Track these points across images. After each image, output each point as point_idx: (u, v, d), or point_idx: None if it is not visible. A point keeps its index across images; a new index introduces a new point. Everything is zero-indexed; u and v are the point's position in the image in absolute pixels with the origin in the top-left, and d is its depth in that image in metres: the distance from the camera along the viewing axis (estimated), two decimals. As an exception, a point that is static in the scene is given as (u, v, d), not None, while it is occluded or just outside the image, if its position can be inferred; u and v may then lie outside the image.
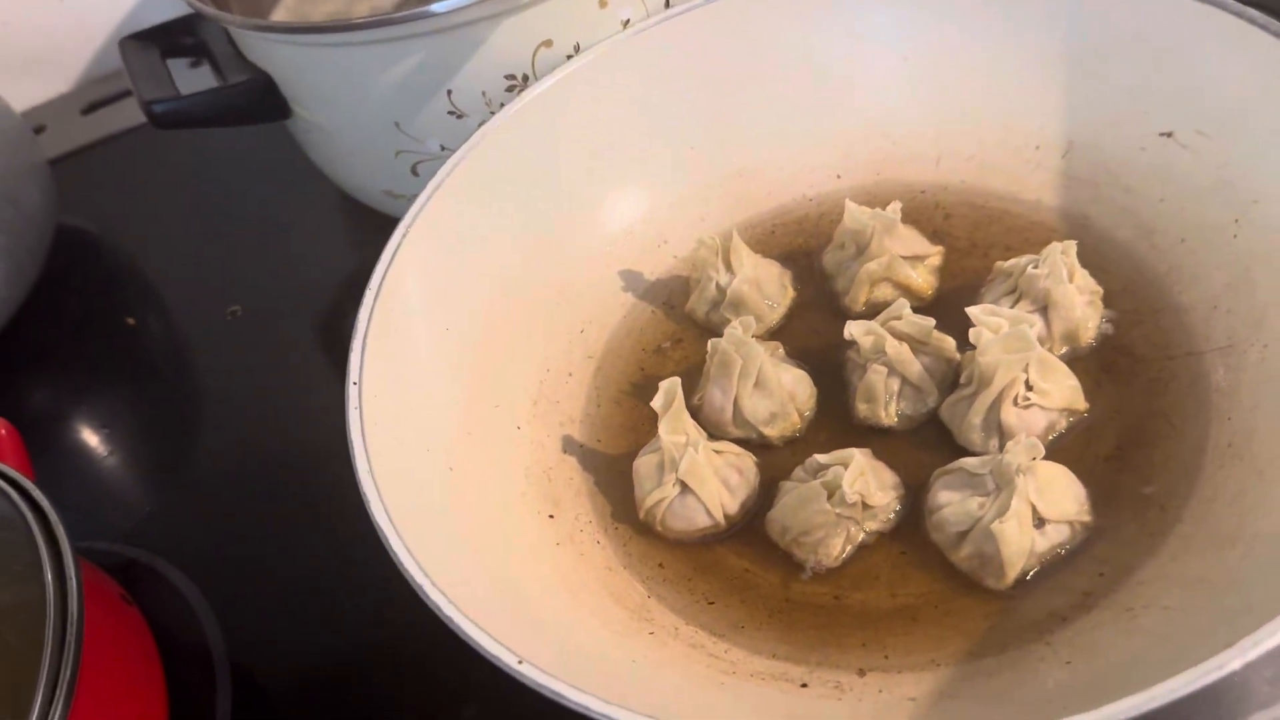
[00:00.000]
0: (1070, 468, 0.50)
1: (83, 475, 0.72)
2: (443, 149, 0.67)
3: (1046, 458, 0.49)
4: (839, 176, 0.65)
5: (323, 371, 0.74)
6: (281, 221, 0.85)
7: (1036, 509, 0.47)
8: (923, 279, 0.59)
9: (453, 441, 0.53)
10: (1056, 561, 0.48)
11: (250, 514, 0.67)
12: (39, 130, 0.98)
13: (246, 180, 0.89)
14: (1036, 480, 0.47)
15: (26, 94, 1.00)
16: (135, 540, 0.67)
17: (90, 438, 0.75)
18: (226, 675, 0.59)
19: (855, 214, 0.58)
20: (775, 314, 0.60)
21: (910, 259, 0.58)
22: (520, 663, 0.39)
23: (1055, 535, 0.48)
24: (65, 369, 0.79)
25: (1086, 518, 0.48)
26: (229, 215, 0.87)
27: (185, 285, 0.83)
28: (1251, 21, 0.53)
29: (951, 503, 0.49)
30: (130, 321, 0.80)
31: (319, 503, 0.65)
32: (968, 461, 0.49)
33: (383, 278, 0.55)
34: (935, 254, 0.59)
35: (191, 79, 0.74)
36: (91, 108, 1.00)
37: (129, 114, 0.96)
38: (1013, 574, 0.47)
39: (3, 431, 0.58)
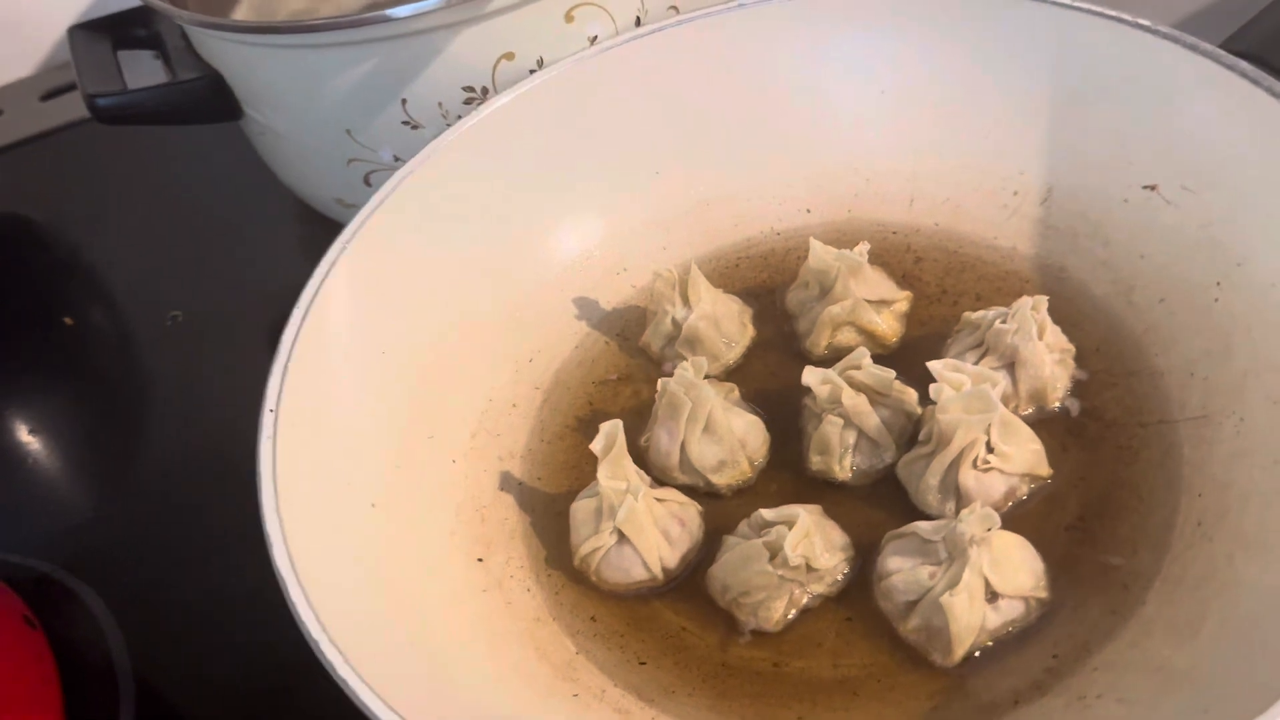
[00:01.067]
0: (1029, 536, 0.47)
1: (5, 481, 0.69)
2: (396, 159, 0.64)
3: (1005, 525, 0.46)
4: (809, 211, 0.62)
5: (264, 382, 0.71)
6: (233, 225, 0.81)
7: (990, 583, 0.44)
8: (887, 325, 0.56)
9: (378, 475, 0.50)
10: (1009, 639, 0.45)
11: (175, 532, 0.64)
12: (-6, 115, 0.95)
13: (201, 180, 0.86)
14: (991, 552, 0.44)
15: (-15, 75, 0.97)
16: (51, 555, 0.63)
17: (15, 442, 0.71)
18: (131, 698, 0.56)
19: (820, 254, 0.55)
20: (733, 353, 0.57)
21: (876, 303, 0.56)
22: (415, 734, 0.36)
23: (1009, 611, 0.45)
24: (-3, 367, 0.76)
25: (1043, 593, 0.45)
26: (180, 215, 0.83)
27: (128, 286, 0.80)
28: (1244, 76, 0.50)
29: (901, 570, 0.46)
30: (68, 321, 0.77)
31: (248, 525, 0.61)
32: (921, 526, 0.46)
33: (314, 295, 0.51)
34: (902, 299, 0.57)
35: (150, 72, 0.71)
36: (51, 94, 0.96)
37: (88, 103, 0.92)
38: (960, 651, 0.44)
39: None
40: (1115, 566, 0.46)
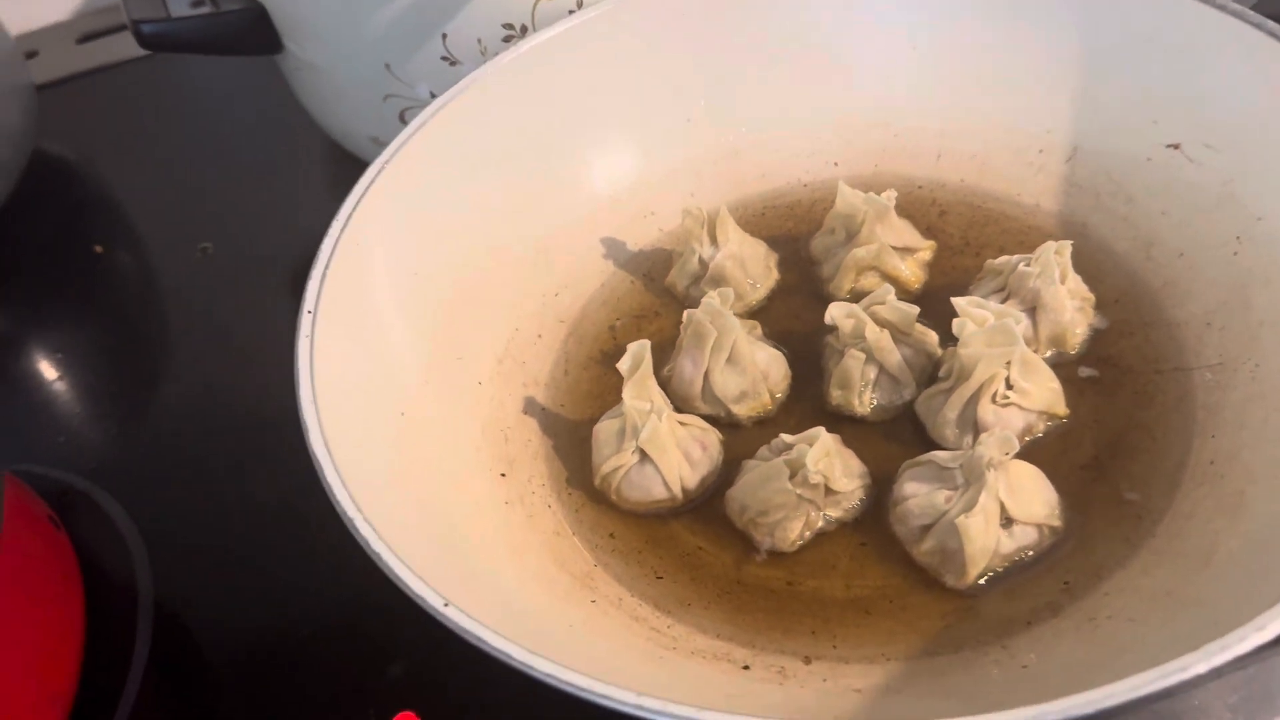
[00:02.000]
0: (1047, 473, 0.48)
1: (31, 398, 0.70)
2: (433, 96, 0.64)
3: (1020, 456, 0.47)
4: (836, 164, 0.63)
5: (291, 319, 0.71)
6: (265, 166, 0.82)
7: (1005, 508, 0.45)
8: (911, 272, 0.57)
9: (408, 387, 0.51)
10: (1021, 565, 0.46)
11: (198, 456, 0.65)
12: (31, 55, 0.96)
13: (234, 122, 0.87)
14: (1008, 478, 0.45)
15: (25, 17, 0.98)
16: (76, 468, 0.64)
17: (43, 361, 0.72)
18: (149, 613, 0.57)
19: (848, 197, 0.56)
20: (757, 294, 0.58)
21: (900, 250, 0.57)
22: (446, 605, 0.37)
23: (1022, 537, 0.46)
24: (26, 290, 0.77)
25: (1056, 522, 0.46)
26: (212, 154, 0.84)
27: (159, 218, 0.81)
28: (1272, 35, 0.51)
29: (918, 494, 0.47)
30: (98, 249, 0.78)
31: (270, 452, 0.63)
32: (938, 455, 0.47)
33: (353, 209, 0.52)
34: (926, 248, 0.58)
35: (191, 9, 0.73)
36: (87, 38, 0.98)
37: (124, 47, 0.94)
38: (974, 572, 0.45)
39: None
40: (1128, 501, 0.47)
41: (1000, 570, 0.46)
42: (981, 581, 0.45)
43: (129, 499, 0.61)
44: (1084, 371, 0.52)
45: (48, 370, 0.72)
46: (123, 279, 0.77)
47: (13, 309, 0.76)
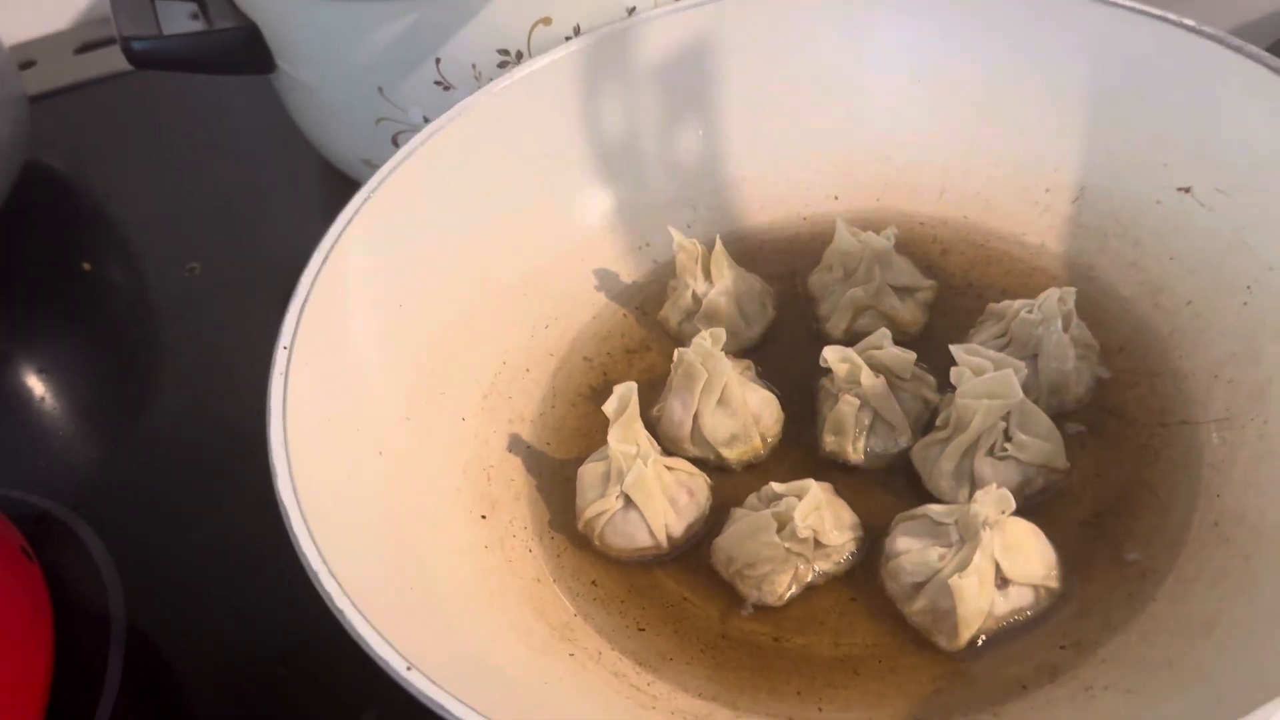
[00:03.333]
0: (1045, 530, 0.46)
1: (12, 418, 0.69)
2: (425, 121, 0.63)
3: (1018, 513, 0.45)
4: (836, 198, 0.62)
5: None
6: (257, 184, 0.81)
7: (1001, 568, 0.43)
8: (910, 313, 0.55)
9: (388, 424, 0.50)
10: (1015, 627, 0.44)
11: (180, 485, 0.63)
12: (26, 65, 0.95)
13: (228, 139, 0.86)
14: (1004, 537, 0.44)
15: (21, 27, 0.97)
16: (55, 494, 0.63)
17: (27, 379, 0.71)
18: (122, 642, 0.55)
19: (846, 236, 0.55)
20: (751, 332, 0.57)
21: (900, 290, 0.55)
22: (409, 669, 0.36)
23: (1017, 598, 0.44)
24: (12, 305, 0.76)
25: (1054, 584, 0.44)
26: (204, 172, 0.83)
27: (149, 236, 0.79)
28: (1288, 79, 0.49)
29: (910, 550, 0.45)
30: (86, 266, 0.77)
31: (253, 482, 0.60)
32: (933, 508, 0.46)
33: (336, 238, 0.51)
34: (927, 288, 0.56)
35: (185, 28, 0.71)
36: (85, 48, 0.96)
37: (122, 59, 0.92)
38: (966, 635, 0.43)
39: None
40: (1129, 562, 0.45)
41: (994, 632, 0.44)
42: (973, 644, 0.44)
43: (107, 528, 0.60)
44: (1078, 427, 0.50)
45: (31, 389, 0.70)
46: (110, 297, 0.76)
47: (-2, 324, 0.75)
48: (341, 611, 0.37)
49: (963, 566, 0.43)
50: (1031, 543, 0.45)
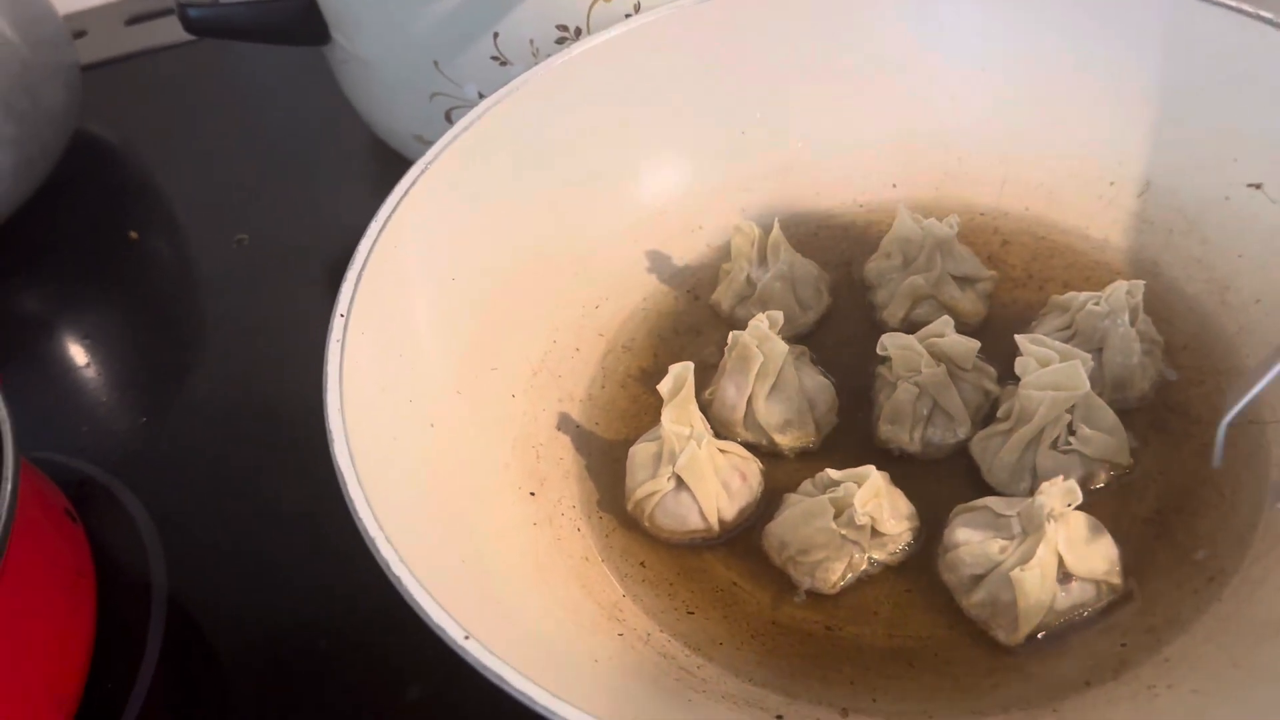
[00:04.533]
0: (1106, 526, 0.45)
1: (57, 383, 0.69)
2: (480, 97, 0.63)
3: (1080, 508, 0.44)
4: (894, 186, 0.61)
5: (325, 315, 0.69)
6: (307, 158, 0.81)
7: (1064, 561, 0.42)
8: (971, 304, 0.54)
9: (439, 397, 0.49)
10: (1076, 624, 0.43)
11: (222, 453, 0.63)
12: (79, 35, 0.95)
13: (277, 113, 0.86)
14: (1068, 530, 0.43)
15: (75, -3, 0.98)
16: (98, 460, 0.63)
17: (72, 346, 0.71)
18: (163, 608, 0.55)
19: (908, 222, 0.54)
20: (806, 318, 0.56)
21: (960, 279, 0.54)
22: (467, 638, 0.35)
23: (1079, 594, 0.43)
24: (58, 273, 0.76)
25: (1116, 580, 0.43)
26: (254, 144, 0.83)
27: (197, 207, 0.79)
28: (1370, 73, 0.48)
29: (970, 542, 0.44)
30: (133, 235, 0.77)
31: (295, 451, 0.61)
32: (994, 501, 0.45)
33: (392, 210, 0.51)
34: (988, 279, 0.55)
35: None
36: (136, 19, 0.97)
37: (172, 30, 0.92)
38: (1025, 629, 0.42)
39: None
40: (1194, 561, 0.44)
41: (1054, 628, 0.43)
42: (1032, 638, 0.43)
43: (148, 494, 0.60)
44: (1148, 420, 0.49)
45: (76, 355, 0.70)
46: (156, 267, 0.76)
47: (45, 290, 0.75)
48: (399, 579, 0.37)
49: (1025, 559, 0.42)
50: (1095, 537, 0.44)
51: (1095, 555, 0.43)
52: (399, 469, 0.44)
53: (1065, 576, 0.43)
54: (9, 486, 0.46)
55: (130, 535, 0.58)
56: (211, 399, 0.66)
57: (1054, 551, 0.42)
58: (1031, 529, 0.43)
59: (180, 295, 0.74)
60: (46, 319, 0.73)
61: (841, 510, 0.44)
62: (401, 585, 0.36)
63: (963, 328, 0.53)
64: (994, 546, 0.43)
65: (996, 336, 0.52)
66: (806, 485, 0.47)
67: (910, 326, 0.53)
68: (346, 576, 0.54)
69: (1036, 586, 0.42)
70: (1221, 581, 0.44)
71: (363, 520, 0.38)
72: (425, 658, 0.50)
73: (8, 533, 0.45)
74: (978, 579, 0.44)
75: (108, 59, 0.93)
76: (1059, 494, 0.42)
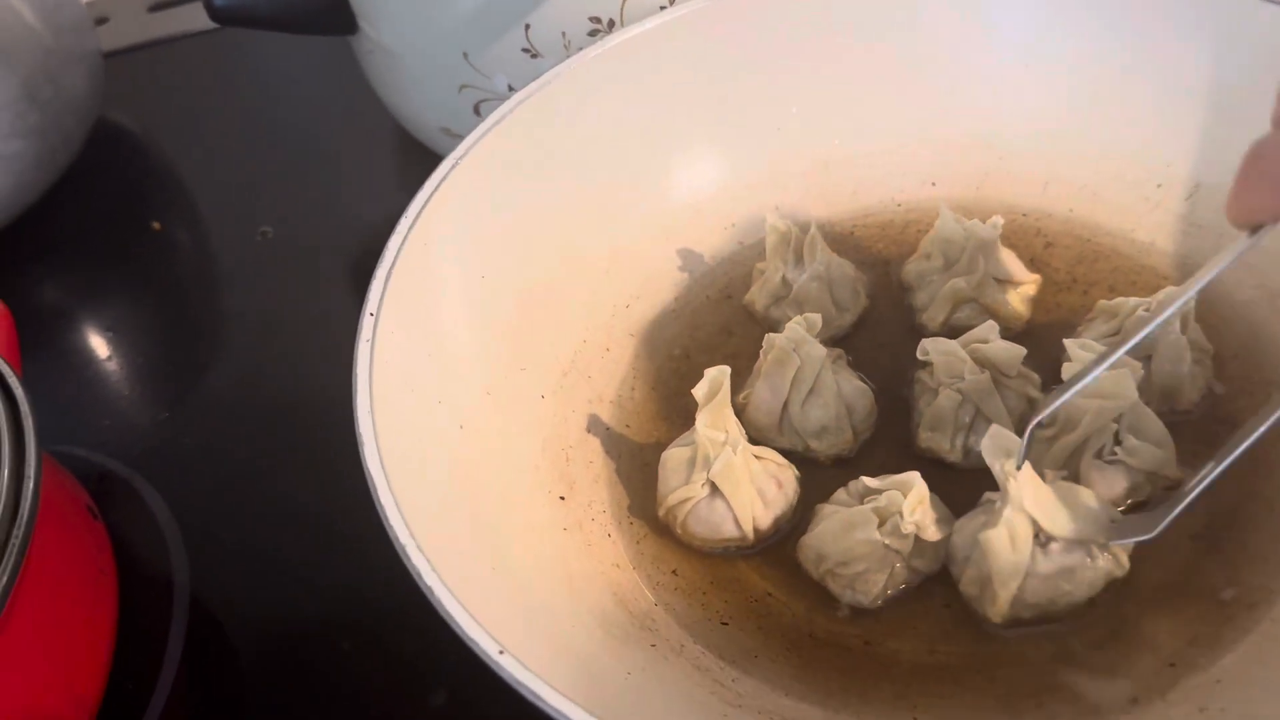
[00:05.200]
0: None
1: (78, 376, 0.68)
2: (510, 89, 0.62)
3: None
4: (934, 184, 0.59)
5: (348, 310, 0.68)
6: (332, 150, 0.80)
7: (1038, 524, 0.41)
8: (1014, 308, 0.53)
9: (469, 398, 0.48)
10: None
11: (245, 449, 0.62)
12: (101, 21, 0.94)
13: (302, 103, 0.85)
14: (1037, 491, 0.41)
15: (97, -17, 0.97)
16: (118, 452, 0.62)
17: (93, 338, 0.70)
18: (185, 606, 0.54)
19: (951, 222, 0.52)
20: (843, 320, 0.55)
21: (1003, 283, 0.53)
22: (501, 653, 0.34)
23: (1065, 557, 0.41)
24: (80, 263, 0.75)
25: (1102, 538, 0.42)
26: (278, 135, 0.82)
27: (220, 198, 0.78)
28: None
29: (962, 529, 0.43)
30: (156, 226, 0.76)
31: (318, 448, 0.60)
32: (990, 494, 0.44)
33: (422, 207, 0.50)
34: (1031, 283, 0.54)
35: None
36: (159, 6, 0.96)
37: (196, 17, 0.92)
38: (1004, 594, 0.41)
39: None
40: (1242, 579, 0.43)
41: (1049, 609, 0.42)
42: (1017, 621, 0.41)
43: (170, 489, 0.59)
44: (1196, 431, 0.48)
45: (98, 348, 0.70)
46: (179, 258, 0.75)
47: (66, 280, 0.74)
48: (431, 589, 0.35)
49: (992, 523, 0.41)
50: (1077, 500, 0.42)
51: (1077, 516, 0.42)
52: (429, 473, 0.43)
53: (1045, 540, 0.41)
54: (31, 485, 0.45)
55: (151, 531, 0.57)
56: (233, 394, 0.65)
57: (1021, 511, 0.41)
58: (1004, 501, 0.41)
59: (203, 288, 0.73)
60: (68, 310, 0.72)
61: (885, 519, 0.43)
62: (434, 595, 0.35)
63: (1006, 333, 0.52)
64: (977, 523, 0.43)
65: (1040, 341, 0.51)
66: (841, 495, 0.46)
67: (951, 331, 0.52)
68: (370, 575, 0.53)
69: (1005, 546, 0.41)
70: (1273, 601, 0.42)
71: (394, 527, 0.37)
72: (449, 661, 0.49)
73: (30, 530, 0.44)
74: (967, 560, 0.43)
75: (131, 46, 0.92)
76: (996, 447, 0.41)
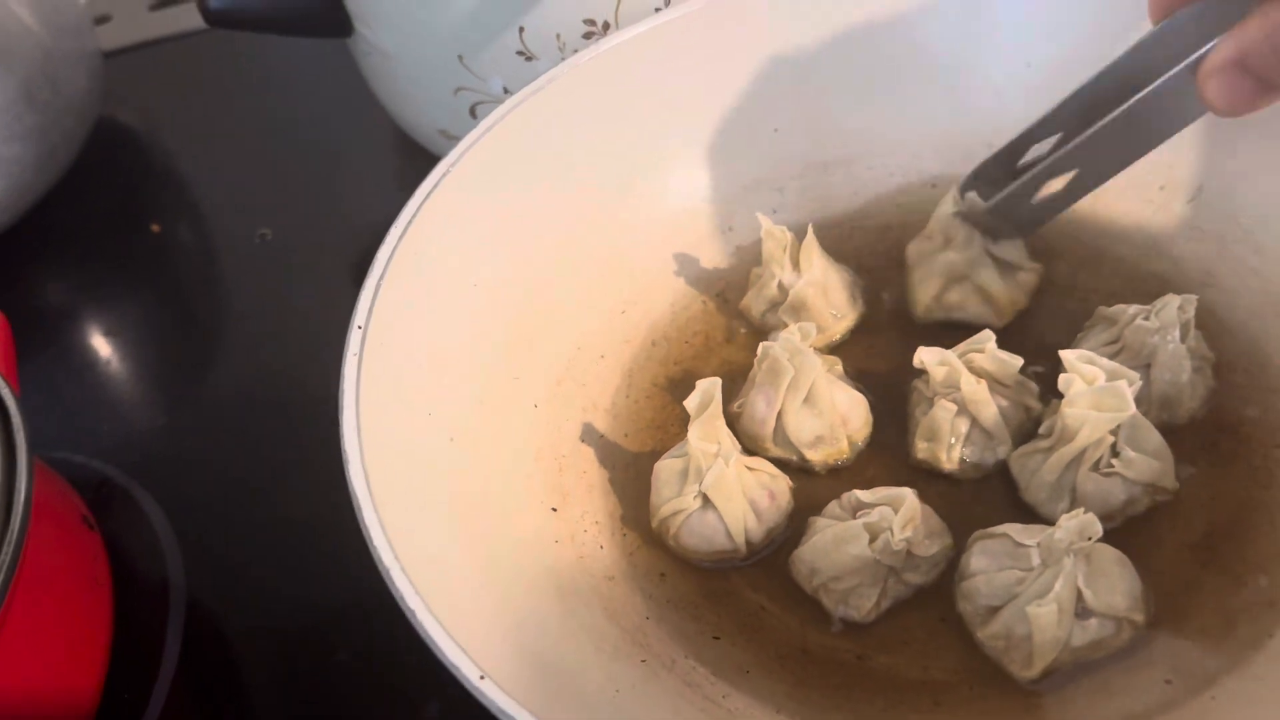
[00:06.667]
0: (1150, 554, 0.43)
1: (77, 381, 0.68)
2: (506, 92, 0.61)
3: (1124, 537, 0.43)
4: (934, 185, 0.58)
5: (347, 312, 0.68)
6: (330, 151, 0.80)
7: (1083, 596, 0.40)
8: (1009, 294, 0.52)
9: (460, 409, 0.48)
10: (1116, 661, 0.41)
11: (242, 450, 0.62)
12: (102, 20, 0.94)
13: (302, 104, 0.84)
14: (1089, 565, 0.41)
15: (98, -19, 0.97)
16: (115, 458, 0.62)
17: (92, 342, 0.70)
18: (181, 612, 0.54)
19: (950, 203, 0.52)
20: (839, 326, 0.54)
21: (1000, 265, 0.52)
22: (482, 678, 0.34)
23: (1098, 630, 0.41)
24: (80, 266, 0.75)
25: (1138, 617, 0.41)
26: (277, 136, 0.82)
27: (220, 199, 0.78)
28: None
29: (986, 571, 0.42)
30: (155, 228, 0.76)
31: (316, 452, 0.59)
32: (1014, 529, 0.43)
33: (413, 216, 0.49)
34: (1032, 271, 0.53)
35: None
36: (160, 5, 0.96)
37: (196, 16, 0.91)
38: (1040, 665, 0.40)
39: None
40: (1243, 591, 0.42)
41: (1087, 663, 0.41)
42: (1074, 678, 0.41)
43: (168, 498, 0.59)
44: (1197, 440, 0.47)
45: (96, 351, 0.70)
46: (178, 261, 0.75)
47: (66, 282, 0.75)
48: (413, 612, 0.35)
49: (1043, 593, 0.40)
50: (1117, 572, 0.42)
51: (1117, 591, 0.41)
52: (418, 490, 0.42)
53: (1084, 612, 0.41)
54: (22, 497, 0.45)
55: (148, 539, 0.57)
56: (232, 399, 0.65)
57: (1072, 586, 0.40)
58: (1050, 562, 0.41)
59: (202, 291, 0.73)
60: (68, 312, 0.72)
61: (876, 535, 0.43)
62: (416, 619, 0.35)
63: (997, 318, 0.52)
64: (1011, 577, 0.42)
65: (1038, 346, 0.50)
66: (833, 508, 0.46)
67: (941, 309, 0.52)
68: (368, 585, 0.52)
69: (1053, 622, 0.40)
70: (1274, 614, 0.42)
71: (377, 549, 0.37)
72: (443, 673, 0.49)
73: (21, 543, 0.44)
74: (994, 610, 0.42)
75: (131, 45, 0.92)
76: (1078, 529, 0.40)
